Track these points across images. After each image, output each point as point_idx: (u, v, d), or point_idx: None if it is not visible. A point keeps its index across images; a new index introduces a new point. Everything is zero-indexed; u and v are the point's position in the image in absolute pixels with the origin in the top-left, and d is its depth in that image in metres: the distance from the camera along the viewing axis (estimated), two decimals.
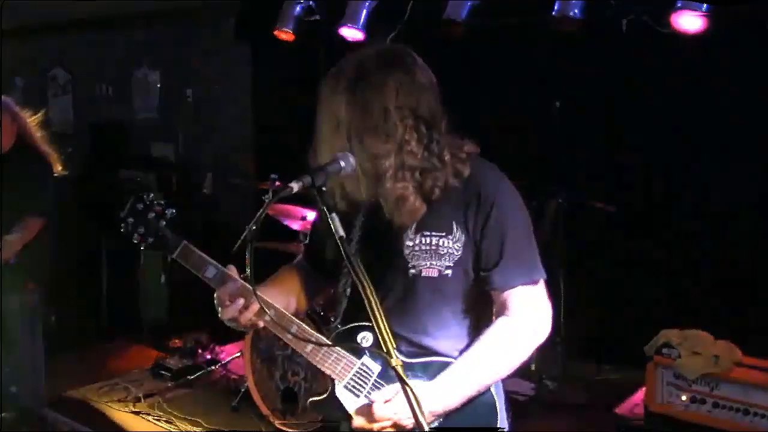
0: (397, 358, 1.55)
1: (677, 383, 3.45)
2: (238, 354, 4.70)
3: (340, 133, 1.77)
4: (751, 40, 4.32)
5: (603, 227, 5.01)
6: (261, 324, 1.90)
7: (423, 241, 1.83)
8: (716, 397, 3.37)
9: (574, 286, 4.69)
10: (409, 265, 1.84)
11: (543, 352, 4.15)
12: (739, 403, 3.32)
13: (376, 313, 1.58)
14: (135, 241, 1.92)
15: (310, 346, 1.87)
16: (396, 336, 1.69)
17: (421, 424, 1.53)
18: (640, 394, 3.62)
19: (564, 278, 4.53)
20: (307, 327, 1.88)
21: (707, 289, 4.61)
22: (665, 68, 4.67)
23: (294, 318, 1.89)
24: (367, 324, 1.82)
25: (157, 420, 4.35)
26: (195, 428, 4.25)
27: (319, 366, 1.87)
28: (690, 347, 3.42)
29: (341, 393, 1.86)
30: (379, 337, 1.57)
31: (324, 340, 1.89)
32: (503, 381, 1.88)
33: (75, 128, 8.01)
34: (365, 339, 1.85)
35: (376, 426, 1.77)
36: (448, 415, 1.77)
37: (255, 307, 1.85)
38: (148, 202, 1.92)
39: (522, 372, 4.21)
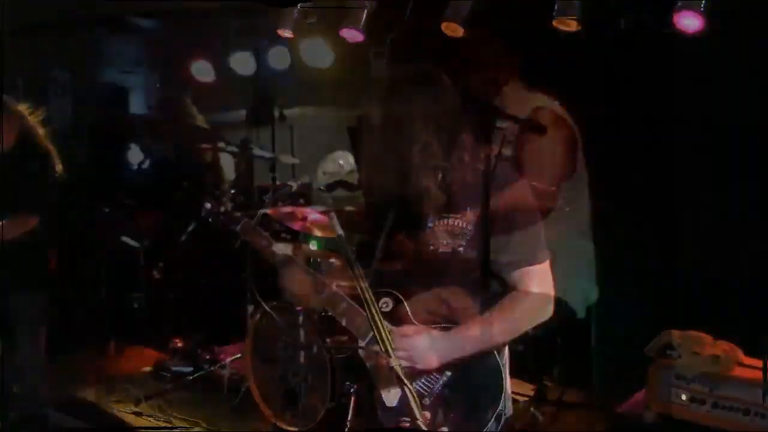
0: (395, 358, 1.76)
1: (678, 383, 3.45)
2: (239, 354, 4.70)
3: (376, 135, 2.12)
4: (752, 40, 4.32)
5: (603, 227, 5.01)
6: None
7: (442, 223, 2.16)
8: (716, 396, 3.37)
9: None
10: (430, 243, 2.17)
11: (543, 352, 4.15)
12: (739, 402, 3.32)
13: (375, 314, 1.79)
14: (210, 219, 2.47)
15: (341, 308, 2.20)
16: (419, 305, 2.10)
17: (417, 420, 1.74)
18: (640, 394, 3.62)
19: None
20: (354, 303, 2.18)
21: (707, 290, 4.60)
22: (665, 68, 4.67)
23: (344, 295, 2.22)
24: (389, 290, 2.16)
25: (158, 421, 4.35)
26: (195, 429, 4.25)
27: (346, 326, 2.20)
28: (690, 347, 3.42)
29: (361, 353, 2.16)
30: (378, 336, 1.78)
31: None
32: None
33: (75, 128, 8.00)
34: (386, 304, 2.15)
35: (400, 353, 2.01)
36: (458, 373, 2.05)
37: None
38: (218, 193, 2.48)
39: (522, 372, 4.23)
